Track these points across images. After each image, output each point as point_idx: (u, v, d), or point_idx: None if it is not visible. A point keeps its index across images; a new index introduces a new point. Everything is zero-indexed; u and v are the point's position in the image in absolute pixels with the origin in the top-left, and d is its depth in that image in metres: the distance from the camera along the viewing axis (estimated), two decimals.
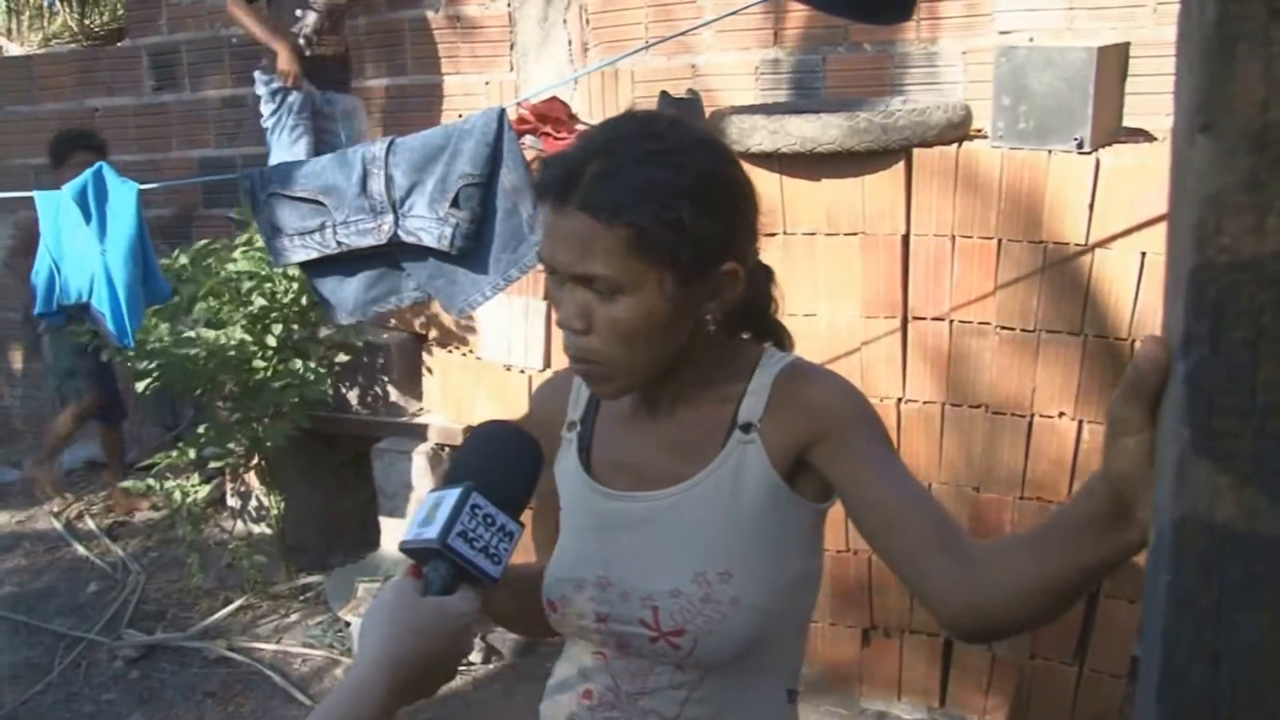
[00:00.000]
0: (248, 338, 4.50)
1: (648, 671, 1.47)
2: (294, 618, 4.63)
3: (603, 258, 1.32)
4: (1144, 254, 3.19)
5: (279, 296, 4.60)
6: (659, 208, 1.33)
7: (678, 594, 1.41)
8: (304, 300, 4.56)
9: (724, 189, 1.41)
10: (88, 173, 3.54)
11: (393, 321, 4.89)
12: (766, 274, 1.56)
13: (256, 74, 5.29)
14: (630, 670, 1.48)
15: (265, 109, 5.26)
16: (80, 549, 5.40)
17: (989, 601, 1.17)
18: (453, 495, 1.22)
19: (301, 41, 5.16)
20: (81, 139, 5.55)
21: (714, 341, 1.47)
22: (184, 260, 4.64)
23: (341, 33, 5.34)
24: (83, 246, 3.52)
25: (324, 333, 4.80)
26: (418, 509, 1.25)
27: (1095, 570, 1.05)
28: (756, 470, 1.42)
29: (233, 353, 4.44)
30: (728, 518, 1.42)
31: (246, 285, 4.54)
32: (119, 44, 6.45)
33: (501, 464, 1.29)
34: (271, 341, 4.56)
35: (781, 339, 1.56)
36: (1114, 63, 3.41)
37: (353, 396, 4.91)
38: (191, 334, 4.46)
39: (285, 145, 5.18)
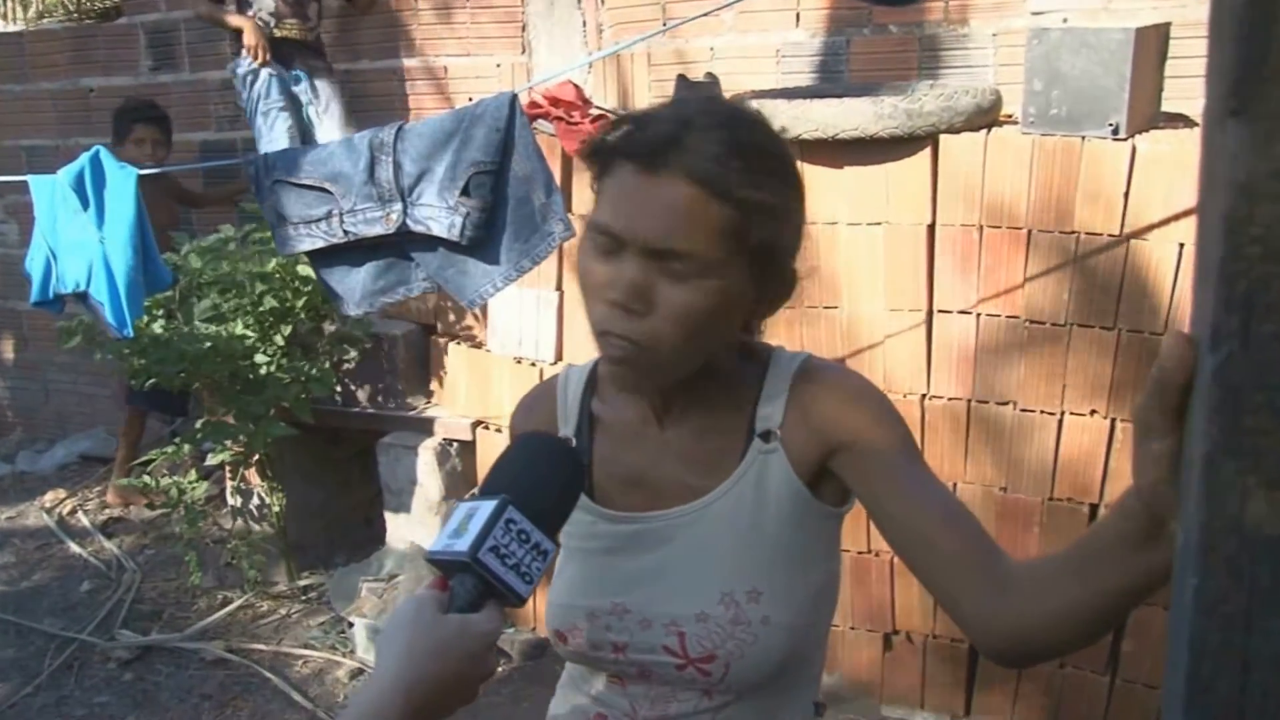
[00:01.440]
0: (250, 333, 4.51)
1: (670, 697, 1.45)
2: (295, 618, 4.65)
3: (704, 234, 1.26)
4: (1181, 245, 3.18)
5: (289, 300, 4.61)
6: (771, 192, 1.30)
7: (705, 617, 1.38)
8: (318, 300, 4.57)
9: (801, 184, 1.38)
10: (84, 157, 3.55)
11: (410, 310, 4.90)
12: None
13: (229, 65, 5.38)
14: (651, 696, 1.46)
15: (241, 95, 5.34)
16: (73, 546, 5.43)
17: (1027, 627, 1.16)
18: (487, 507, 1.19)
19: (260, 24, 5.22)
20: (142, 111, 5.53)
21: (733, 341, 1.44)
22: (195, 262, 4.64)
23: (306, 17, 5.37)
24: (80, 234, 3.54)
25: (329, 328, 4.81)
26: (448, 518, 1.23)
27: (1135, 592, 1.04)
28: (780, 480, 1.39)
29: (233, 345, 4.45)
30: (752, 532, 1.40)
31: (260, 289, 4.55)
32: (115, 21, 6.45)
33: (540, 478, 1.26)
34: (279, 340, 4.58)
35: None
36: (1153, 44, 3.39)
37: (358, 390, 4.92)
38: (188, 329, 4.48)
39: (264, 131, 5.23)
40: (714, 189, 1.26)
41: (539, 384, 1.63)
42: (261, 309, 4.55)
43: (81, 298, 3.65)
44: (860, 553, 3.62)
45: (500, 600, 1.20)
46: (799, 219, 1.37)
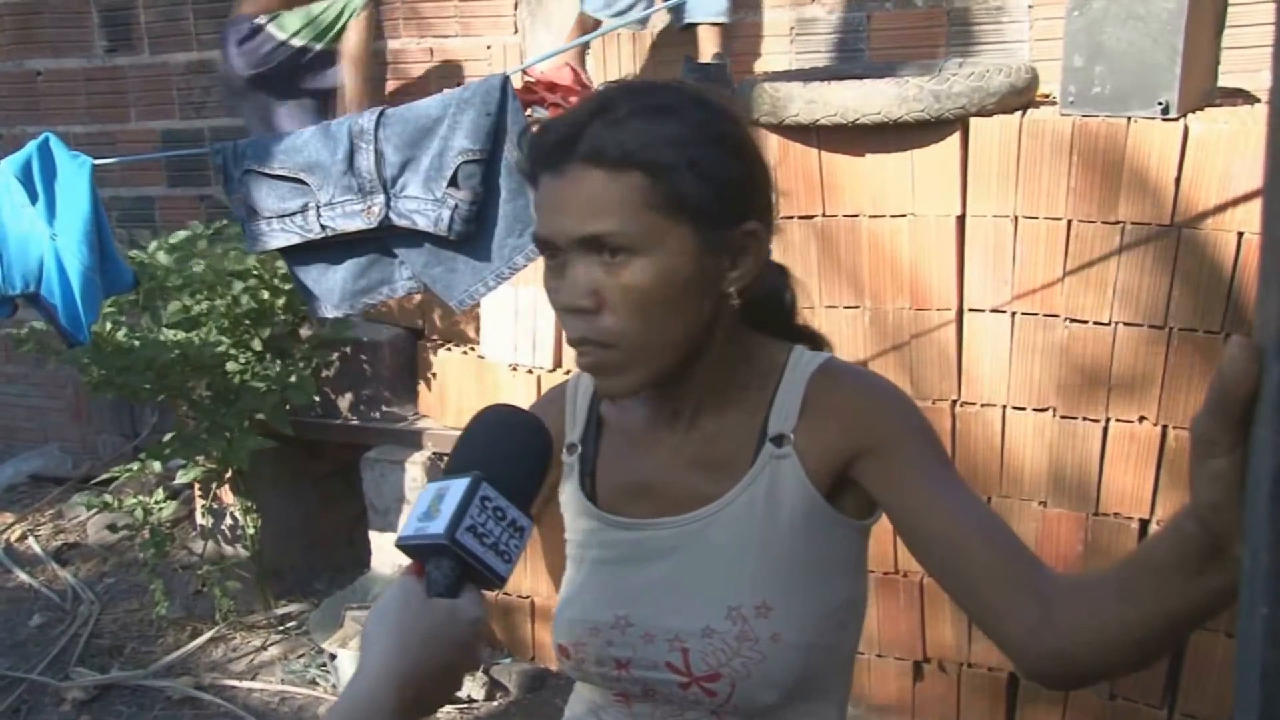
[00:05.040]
0: (224, 338, 4.50)
1: (676, 717, 1.46)
2: (272, 651, 4.64)
3: (615, 211, 1.32)
4: (1240, 234, 3.17)
5: (267, 300, 4.61)
6: (675, 148, 1.33)
7: (710, 633, 1.40)
8: (298, 300, 4.56)
9: (737, 139, 1.41)
10: (32, 145, 3.52)
11: (395, 312, 4.89)
12: (782, 272, 1.56)
13: None
14: (656, 716, 1.47)
15: None
16: (22, 575, 5.40)
17: (1071, 647, 1.16)
18: (460, 485, 1.21)
19: None
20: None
21: (737, 336, 1.46)
22: (164, 260, 4.62)
23: None
24: (28, 230, 3.51)
25: (307, 331, 4.80)
26: (416, 501, 1.24)
27: (1190, 618, 1.04)
28: (793, 487, 1.41)
29: (204, 353, 4.44)
30: (763, 542, 1.41)
31: (238, 286, 4.54)
32: None
33: (509, 452, 1.28)
34: (257, 346, 4.57)
35: (818, 344, 1.55)
36: (1209, 12, 3.38)
37: (340, 400, 4.92)
38: (153, 334, 4.47)
39: None
40: (610, 162, 1.32)
41: (551, 388, 1.67)
42: (238, 310, 4.55)
43: (32, 300, 3.62)
44: (886, 573, 3.62)
45: (479, 583, 1.23)
46: (730, 173, 1.38)
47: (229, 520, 4.92)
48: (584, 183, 1.32)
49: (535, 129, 1.44)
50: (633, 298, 1.33)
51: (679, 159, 1.32)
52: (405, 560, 1.25)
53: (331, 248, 3.47)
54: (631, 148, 1.31)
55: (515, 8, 5.33)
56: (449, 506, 1.19)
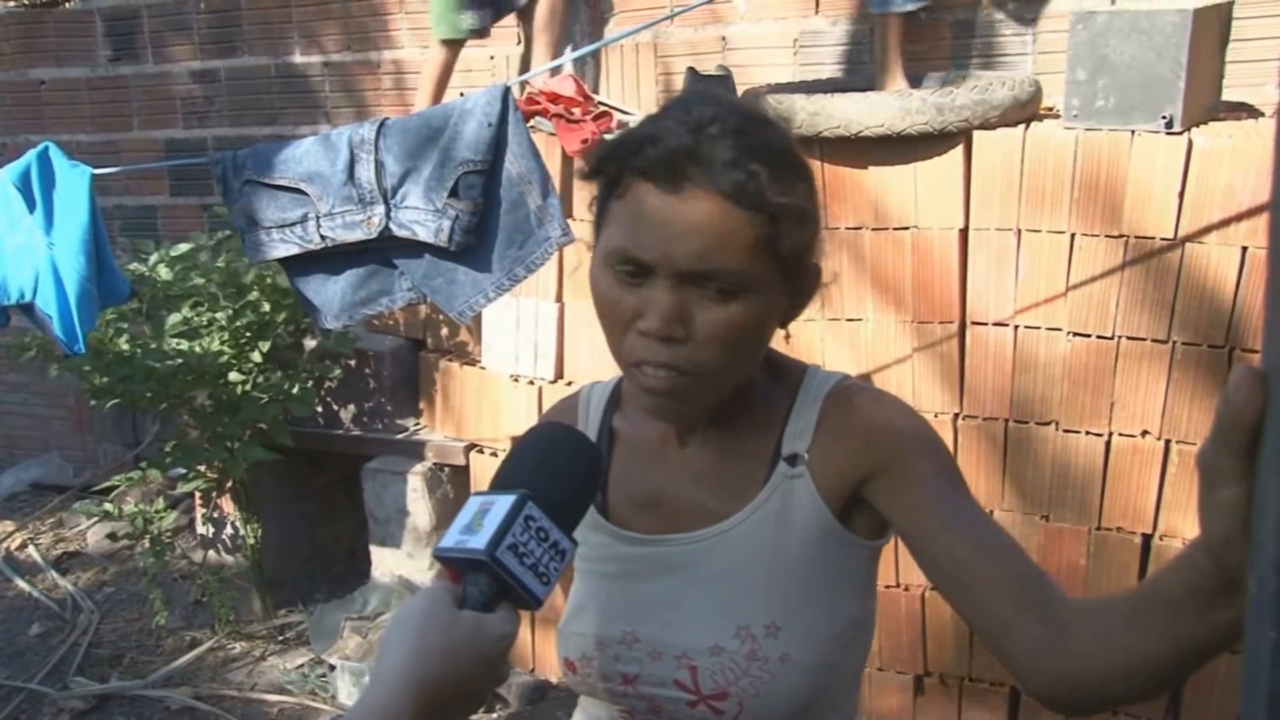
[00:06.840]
0: (226, 349, 4.50)
1: None
2: (270, 660, 4.63)
3: (738, 249, 1.27)
4: (1245, 249, 3.16)
5: (268, 315, 4.60)
6: (798, 195, 1.31)
7: (719, 651, 1.39)
8: (300, 314, 4.55)
9: (813, 177, 1.39)
10: (31, 154, 3.50)
11: (397, 323, 4.88)
12: None
13: None
14: None
15: None
16: (22, 584, 5.39)
17: (1079, 673, 1.14)
18: (505, 502, 1.19)
19: None
20: None
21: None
22: (165, 274, 4.62)
23: None
24: (25, 239, 3.49)
25: (310, 343, 4.80)
26: (460, 512, 1.22)
27: (1201, 651, 1.03)
28: (805, 507, 1.39)
29: (206, 363, 4.43)
30: (773, 562, 1.40)
31: (237, 302, 4.54)
32: (68, 5, 6.41)
33: (559, 471, 1.26)
34: (257, 357, 4.57)
35: None
36: (1213, 26, 3.38)
37: (341, 410, 4.91)
38: (155, 345, 4.46)
39: None
40: (743, 200, 1.26)
41: (563, 398, 1.64)
42: (238, 323, 4.54)
43: (27, 310, 3.59)
44: (888, 587, 3.60)
45: (515, 602, 1.20)
46: (816, 214, 1.37)
47: (229, 530, 4.91)
48: (712, 214, 1.26)
49: (632, 131, 1.34)
50: (727, 334, 1.30)
51: (799, 209, 1.30)
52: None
53: (331, 258, 3.46)
54: (763, 190, 1.27)
55: (518, 19, 5.33)
56: (492, 522, 1.18)
